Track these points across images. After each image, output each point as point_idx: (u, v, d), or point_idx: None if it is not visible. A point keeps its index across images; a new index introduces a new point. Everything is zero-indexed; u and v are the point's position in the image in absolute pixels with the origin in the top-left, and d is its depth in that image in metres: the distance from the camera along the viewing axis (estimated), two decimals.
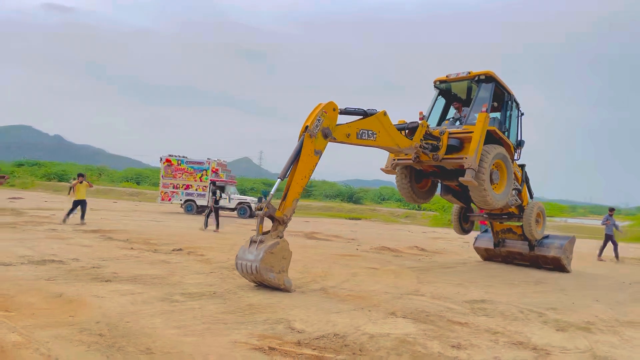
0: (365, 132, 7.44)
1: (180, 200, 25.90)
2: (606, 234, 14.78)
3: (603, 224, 14.96)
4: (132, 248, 9.48)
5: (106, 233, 11.92)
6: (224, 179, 25.97)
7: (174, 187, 26.00)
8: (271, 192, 6.62)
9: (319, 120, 6.67)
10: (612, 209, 15.30)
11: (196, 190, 25.63)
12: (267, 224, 6.44)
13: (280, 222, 6.48)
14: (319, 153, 6.78)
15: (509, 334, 4.92)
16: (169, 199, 26.07)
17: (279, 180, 6.70)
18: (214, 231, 14.93)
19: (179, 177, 25.96)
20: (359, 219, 36.07)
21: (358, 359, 3.83)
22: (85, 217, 13.97)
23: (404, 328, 4.84)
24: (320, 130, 6.69)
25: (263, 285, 6.30)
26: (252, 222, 21.01)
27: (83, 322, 4.27)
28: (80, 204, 13.93)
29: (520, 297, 7.09)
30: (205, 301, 5.36)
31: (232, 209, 25.34)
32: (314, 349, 3.97)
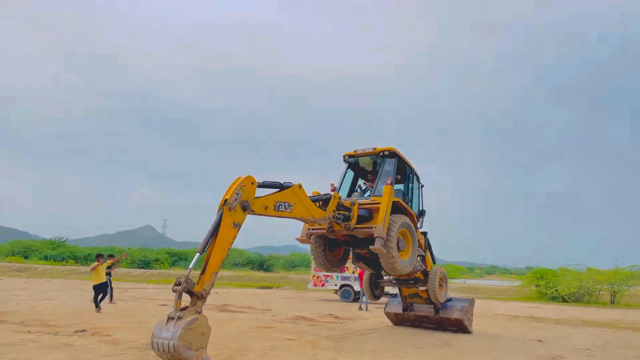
0: (282, 204, 7.77)
1: (335, 285, 23.23)
2: None
3: None
4: (29, 331, 8.63)
5: None
6: None
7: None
8: (189, 267, 6.58)
9: (237, 193, 6.89)
10: None
11: (353, 273, 22.66)
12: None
13: (199, 297, 6.40)
14: (238, 226, 6.94)
15: None
16: (322, 284, 23.37)
17: (198, 254, 6.71)
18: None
19: None
20: (270, 287, 35.57)
21: None
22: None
23: None
24: (239, 204, 6.89)
25: None
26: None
27: None
28: (101, 286, 13.23)
29: None
30: None
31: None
32: None
